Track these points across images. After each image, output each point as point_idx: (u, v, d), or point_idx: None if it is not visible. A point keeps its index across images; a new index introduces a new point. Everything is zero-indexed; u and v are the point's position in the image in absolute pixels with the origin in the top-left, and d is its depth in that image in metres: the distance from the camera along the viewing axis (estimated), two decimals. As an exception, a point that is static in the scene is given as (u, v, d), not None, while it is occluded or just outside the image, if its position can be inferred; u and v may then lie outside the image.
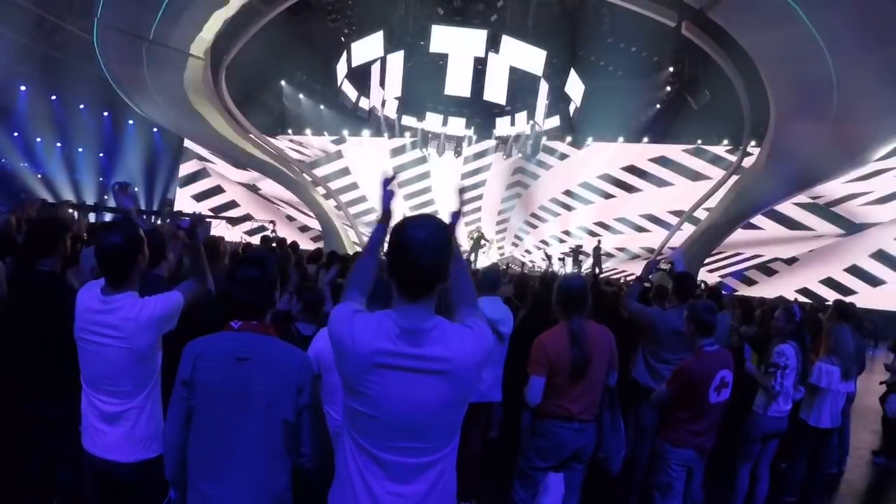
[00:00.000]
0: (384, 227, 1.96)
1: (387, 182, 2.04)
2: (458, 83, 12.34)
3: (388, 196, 2.02)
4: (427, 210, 22.22)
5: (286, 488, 2.06)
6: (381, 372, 1.67)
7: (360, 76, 14.36)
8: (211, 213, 22.08)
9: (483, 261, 19.22)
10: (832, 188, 17.75)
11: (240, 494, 1.99)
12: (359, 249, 15.77)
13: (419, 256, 1.67)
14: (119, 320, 2.32)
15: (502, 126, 16.64)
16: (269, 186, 22.32)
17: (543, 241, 22.37)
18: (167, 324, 2.41)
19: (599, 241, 18.97)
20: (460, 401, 1.76)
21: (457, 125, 16.97)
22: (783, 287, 17.65)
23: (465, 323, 1.80)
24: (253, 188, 23.08)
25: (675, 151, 20.53)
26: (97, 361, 2.38)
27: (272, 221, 20.44)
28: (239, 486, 1.99)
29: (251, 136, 17.50)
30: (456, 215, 2.07)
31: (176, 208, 20.95)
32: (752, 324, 6.35)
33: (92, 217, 18.04)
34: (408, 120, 16.95)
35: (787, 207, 18.57)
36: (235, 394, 1.98)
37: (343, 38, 16.08)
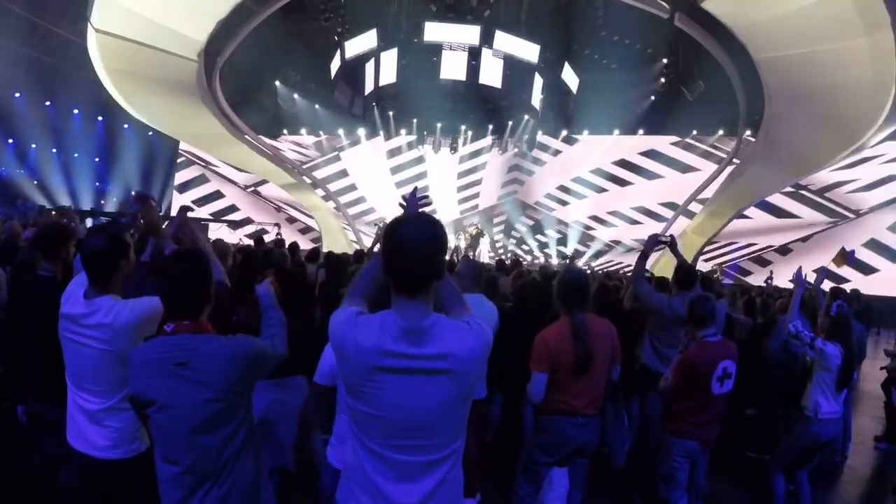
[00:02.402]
0: None
1: (415, 198, 2.09)
2: (452, 69, 12.31)
3: (414, 210, 2.06)
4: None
5: (256, 476, 2.05)
6: (384, 373, 1.67)
7: (353, 74, 14.35)
8: (211, 217, 22.07)
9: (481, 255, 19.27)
10: (821, 176, 17.84)
11: (208, 492, 1.98)
12: (358, 248, 15.78)
13: (412, 252, 1.68)
14: (97, 324, 2.34)
15: (498, 131, 16.64)
16: (268, 188, 22.32)
17: (542, 235, 22.41)
18: (147, 328, 2.38)
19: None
20: (464, 397, 1.76)
21: (452, 123, 16.97)
22: (778, 277, 17.67)
23: (462, 318, 1.80)
24: (252, 191, 23.07)
25: (667, 144, 20.60)
26: (78, 361, 2.41)
27: (277, 224, 20.25)
28: (206, 484, 1.98)
29: (247, 137, 17.48)
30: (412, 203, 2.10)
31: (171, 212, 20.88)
32: (754, 315, 6.36)
33: (89, 222, 18.02)
34: (402, 117, 16.97)
35: (777, 197, 18.69)
36: (181, 400, 1.95)
37: (337, 38, 16.04)
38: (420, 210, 2.07)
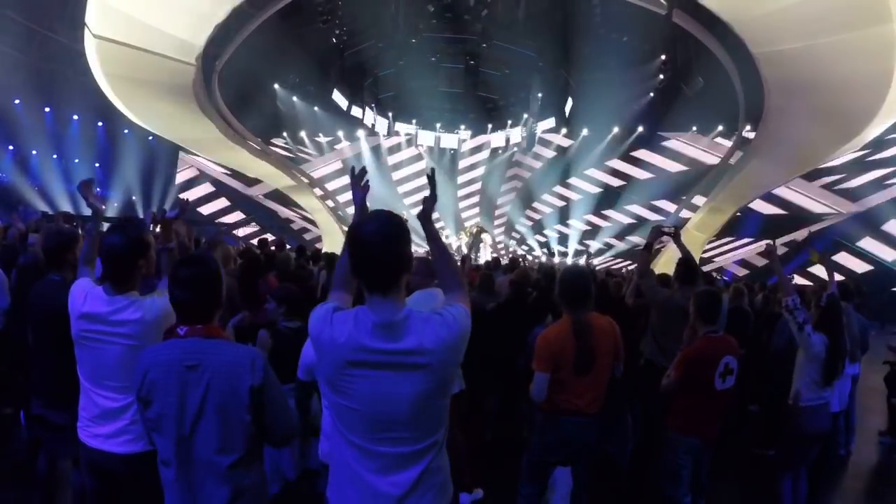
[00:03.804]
0: None
1: (356, 180, 2.09)
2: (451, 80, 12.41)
3: (359, 194, 2.08)
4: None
5: (258, 476, 2.08)
6: (360, 368, 1.70)
7: (353, 76, 14.39)
8: (206, 220, 22.12)
9: (482, 254, 19.26)
10: (831, 169, 17.79)
11: (210, 492, 1.99)
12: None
13: (374, 251, 1.71)
14: (126, 320, 2.36)
15: (497, 130, 16.70)
16: (266, 190, 22.33)
17: (542, 234, 22.39)
18: (168, 324, 2.38)
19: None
20: (441, 389, 1.78)
21: (451, 123, 16.99)
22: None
23: (437, 310, 1.81)
24: (251, 193, 23.09)
25: (668, 140, 20.60)
26: (100, 360, 2.41)
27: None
28: (207, 484, 1.99)
29: (246, 140, 17.46)
30: (428, 200, 2.07)
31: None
32: (754, 311, 6.34)
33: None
34: (401, 118, 16.99)
35: (782, 190, 18.63)
36: (189, 403, 1.95)
37: (335, 39, 16.06)
38: (363, 191, 2.09)
